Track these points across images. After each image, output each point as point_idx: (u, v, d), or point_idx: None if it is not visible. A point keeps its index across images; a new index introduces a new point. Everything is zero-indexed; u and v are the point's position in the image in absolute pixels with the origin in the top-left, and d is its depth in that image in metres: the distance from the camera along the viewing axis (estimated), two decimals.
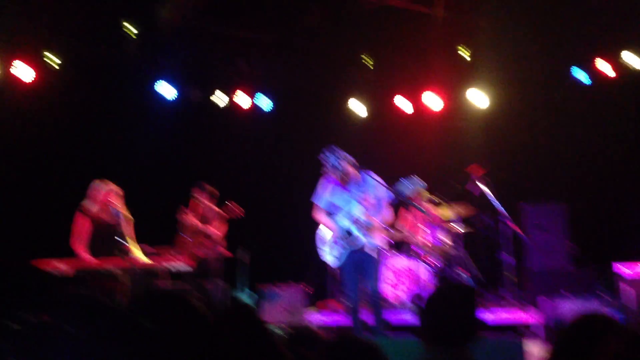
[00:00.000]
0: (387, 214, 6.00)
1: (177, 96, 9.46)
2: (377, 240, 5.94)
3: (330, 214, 6.11)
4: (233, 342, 1.06)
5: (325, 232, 6.13)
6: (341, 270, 6.03)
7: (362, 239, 5.83)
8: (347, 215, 5.94)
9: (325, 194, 6.09)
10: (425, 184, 5.94)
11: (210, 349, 1.03)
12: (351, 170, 5.93)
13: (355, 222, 5.86)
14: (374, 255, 5.85)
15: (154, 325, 1.03)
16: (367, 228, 5.83)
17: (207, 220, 8.13)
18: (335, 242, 5.96)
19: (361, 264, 5.88)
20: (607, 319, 1.88)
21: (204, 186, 8.18)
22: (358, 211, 5.87)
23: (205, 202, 8.16)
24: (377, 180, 5.93)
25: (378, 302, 5.81)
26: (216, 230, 8.14)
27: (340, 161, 5.83)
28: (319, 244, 6.18)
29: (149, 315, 1.06)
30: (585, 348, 1.68)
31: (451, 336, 2.17)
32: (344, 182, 5.98)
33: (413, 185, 5.83)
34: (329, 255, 6.05)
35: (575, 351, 1.76)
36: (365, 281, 5.91)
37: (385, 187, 5.92)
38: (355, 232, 5.85)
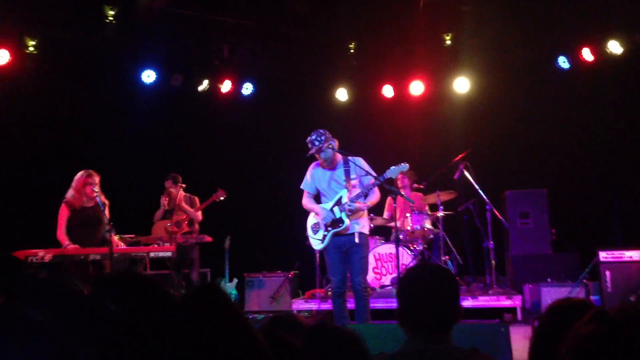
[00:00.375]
0: (373, 198, 5.97)
1: (158, 81, 9.34)
2: (362, 224, 5.92)
3: (315, 197, 6.09)
4: (199, 323, 1.04)
5: (312, 218, 6.10)
6: (325, 254, 6.00)
7: (347, 222, 5.81)
8: (332, 199, 5.91)
9: (311, 178, 6.05)
10: (409, 168, 5.89)
11: (175, 330, 1.00)
12: (336, 153, 5.90)
13: (340, 205, 5.83)
14: (359, 240, 5.82)
15: (118, 307, 1.00)
16: (352, 212, 5.80)
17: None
18: (321, 226, 5.94)
19: (346, 249, 5.86)
20: (584, 302, 1.87)
21: (177, 177, 8.12)
22: (343, 195, 5.84)
23: (179, 192, 8.11)
24: (360, 166, 5.89)
25: (362, 290, 5.79)
26: (198, 216, 8.11)
27: (326, 144, 5.78)
28: (307, 231, 6.15)
29: (114, 298, 1.04)
30: (563, 332, 1.67)
31: (429, 320, 2.11)
32: (330, 166, 5.94)
33: (397, 170, 5.78)
34: (315, 239, 6.03)
35: (554, 336, 1.76)
36: (350, 269, 5.88)
37: (369, 172, 5.88)
38: (341, 215, 5.83)
